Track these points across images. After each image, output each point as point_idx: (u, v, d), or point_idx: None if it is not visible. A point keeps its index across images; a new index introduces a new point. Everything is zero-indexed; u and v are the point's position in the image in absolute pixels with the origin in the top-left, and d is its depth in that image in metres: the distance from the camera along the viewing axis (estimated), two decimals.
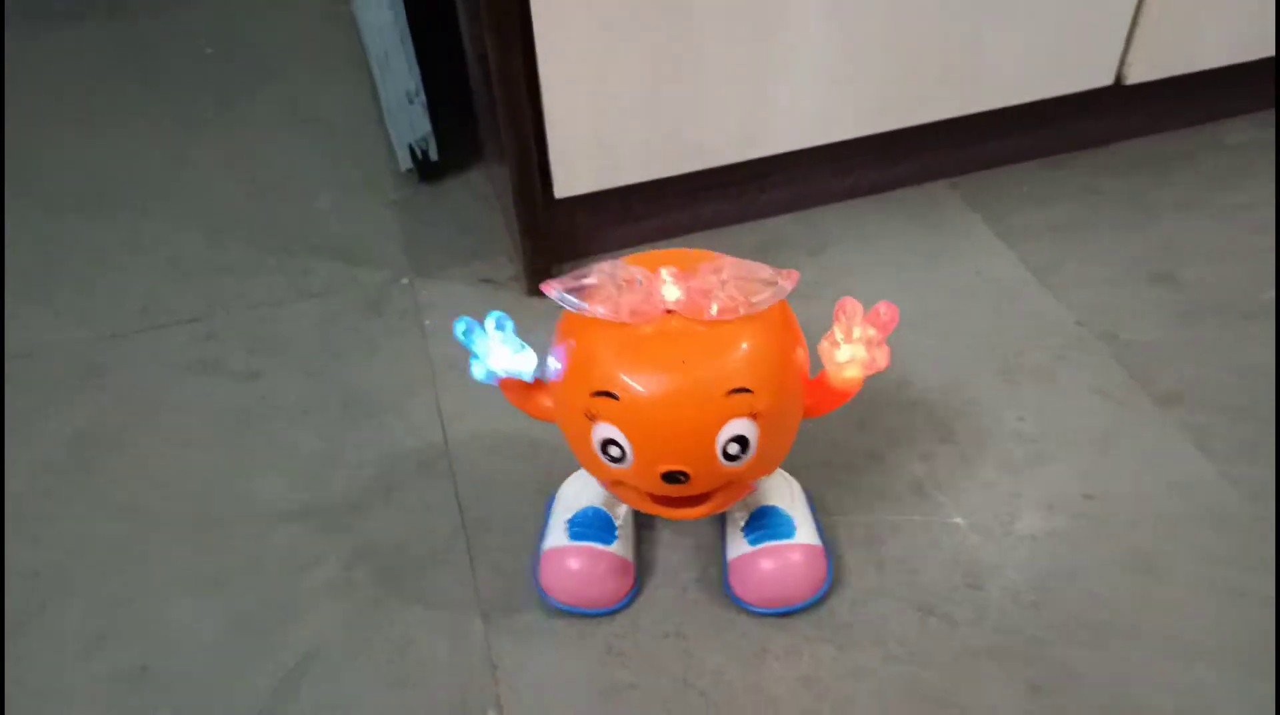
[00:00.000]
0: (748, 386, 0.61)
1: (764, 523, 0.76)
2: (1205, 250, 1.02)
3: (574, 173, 0.97)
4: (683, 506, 0.67)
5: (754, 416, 0.62)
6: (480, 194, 1.17)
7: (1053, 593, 0.76)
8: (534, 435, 0.89)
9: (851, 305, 0.64)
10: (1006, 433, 0.87)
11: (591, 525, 0.77)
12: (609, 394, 0.61)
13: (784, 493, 0.78)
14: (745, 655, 0.74)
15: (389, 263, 1.08)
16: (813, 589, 0.75)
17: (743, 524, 0.76)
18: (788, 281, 0.63)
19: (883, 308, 0.64)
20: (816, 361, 0.66)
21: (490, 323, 0.66)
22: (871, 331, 0.64)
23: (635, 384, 0.60)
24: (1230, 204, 1.07)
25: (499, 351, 0.66)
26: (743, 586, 0.76)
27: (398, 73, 1.07)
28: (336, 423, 0.92)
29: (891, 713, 0.70)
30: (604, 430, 0.63)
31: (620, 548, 0.77)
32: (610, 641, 0.75)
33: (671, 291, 0.62)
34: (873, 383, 0.68)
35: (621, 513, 0.78)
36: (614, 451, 0.63)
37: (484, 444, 0.89)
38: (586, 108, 0.92)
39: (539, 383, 0.69)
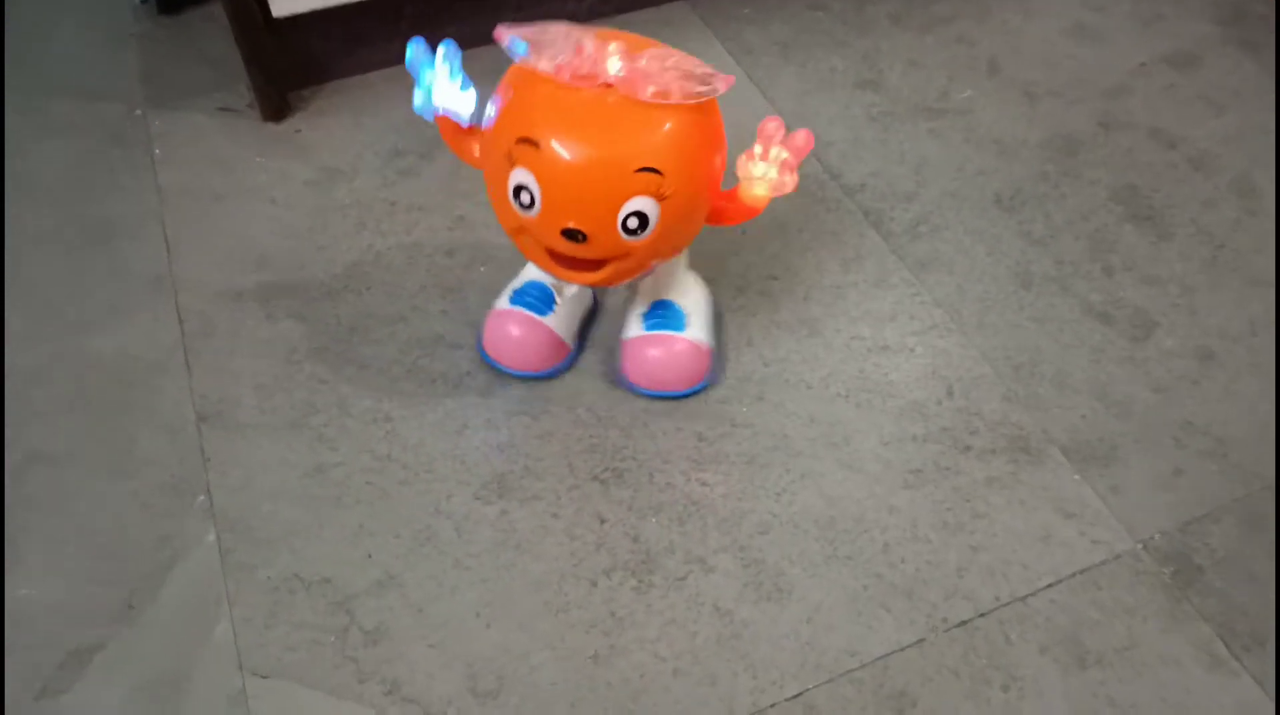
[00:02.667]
0: (659, 168, 0.63)
1: (661, 313, 0.80)
2: (906, 58, 1.09)
3: None
4: (578, 269, 0.70)
5: (659, 197, 0.64)
6: (223, 25, 1.15)
7: (730, 360, 0.84)
8: (261, 250, 0.91)
9: (774, 126, 0.66)
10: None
11: (533, 296, 0.80)
12: (531, 141, 0.63)
13: (690, 293, 0.81)
14: (448, 431, 0.80)
15: (126, 97, 1.07)
16: (690, 381, 0.80)
17: (643, 311, 0.80)
18: (722, 83, 0.64)
19: (801, 135, 0.66)
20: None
21: (440, 53, 0.66)
22: (786, 154, 0.67)
23: (557, 138, 0.63)
24: (935, 16, 1.14)
25: (444, 86, 0.67)
26: (629, 365, 0.80)
27: None
28: (73, 250, 0.92)
29: (576, 464, 0.77)
30: (520, 175, 0.65)
31: (555, 322, 0.80)
32: (320, 431, 0.80)
33: (614, 64, 0.63)
34: None
35: (566, 292, 0.81)
36: (525, 198, 0.66)
37: (209, 262, 0.91)
38: None
39: (474, 128, 0.70)
